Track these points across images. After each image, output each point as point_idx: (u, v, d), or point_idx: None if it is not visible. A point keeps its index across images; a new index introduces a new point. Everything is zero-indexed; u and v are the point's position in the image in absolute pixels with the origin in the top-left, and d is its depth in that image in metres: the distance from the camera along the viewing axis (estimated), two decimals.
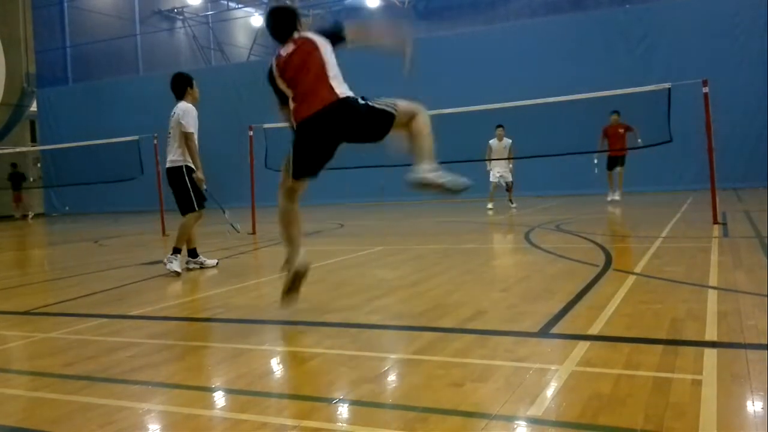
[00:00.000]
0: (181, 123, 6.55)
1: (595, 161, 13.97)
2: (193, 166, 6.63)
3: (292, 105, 4.17)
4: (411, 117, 4.17)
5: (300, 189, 4.25)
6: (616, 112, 13.52)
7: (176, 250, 6.55)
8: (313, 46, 4.15)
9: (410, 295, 4.82)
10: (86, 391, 2.86)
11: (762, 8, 15.79)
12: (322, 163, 4.19)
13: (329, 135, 4.08)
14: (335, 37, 4.26)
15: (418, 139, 4.17)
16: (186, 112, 6.59)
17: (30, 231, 17.18)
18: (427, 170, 4.09)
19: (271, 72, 4.24)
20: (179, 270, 6.43)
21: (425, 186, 4.10)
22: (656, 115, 9.20)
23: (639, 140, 13.03)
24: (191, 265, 6.84)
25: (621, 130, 13.68)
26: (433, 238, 9.37)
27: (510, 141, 13.29)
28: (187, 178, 6.61)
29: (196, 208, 6.67)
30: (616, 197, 13.98)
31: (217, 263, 6.98)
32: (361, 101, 4.08)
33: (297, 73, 4.13)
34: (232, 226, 8.23)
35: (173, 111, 6.70)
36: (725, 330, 3.27)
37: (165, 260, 6.52)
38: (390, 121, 4.11)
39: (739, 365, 2.74)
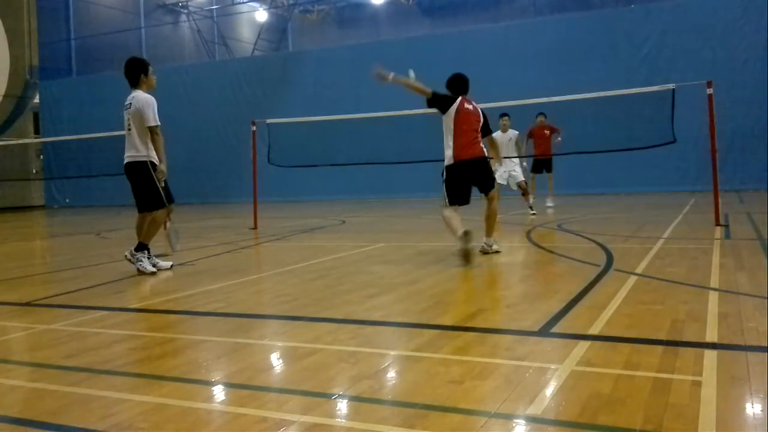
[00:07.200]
0: (143, 116, 6.12)
1: (524, 164, 13.54)
2: (156, 161, 6.26)
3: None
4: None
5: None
6: (542, 113, 12.84)
7: (144, 247, 6.23)
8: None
9: (411, 292, 4.82)
10: (86, 383, 2.86)
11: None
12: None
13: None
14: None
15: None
16: (147, 104, 6.15)
17: (32, 222, 17.20)
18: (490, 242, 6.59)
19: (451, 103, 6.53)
20: (154, 269, 6.16)
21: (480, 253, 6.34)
22: (660, 116, 9.19)
23: (558, 139, 12.83)
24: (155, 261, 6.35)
25: (546, 132, 12.97)
26: (435, 235, 9.36)
27: (516, 133, 12.02)
28: (153, 173, 6.25)
29: (166, 204, 6.36)
30: (550, 203, 13.27)
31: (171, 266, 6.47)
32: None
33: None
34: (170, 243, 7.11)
35: (128, 101, 6.25)
36: (726, 332, 3.27)
37: (136, 263, 6.16)
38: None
39: (739, 367, 2.74)
